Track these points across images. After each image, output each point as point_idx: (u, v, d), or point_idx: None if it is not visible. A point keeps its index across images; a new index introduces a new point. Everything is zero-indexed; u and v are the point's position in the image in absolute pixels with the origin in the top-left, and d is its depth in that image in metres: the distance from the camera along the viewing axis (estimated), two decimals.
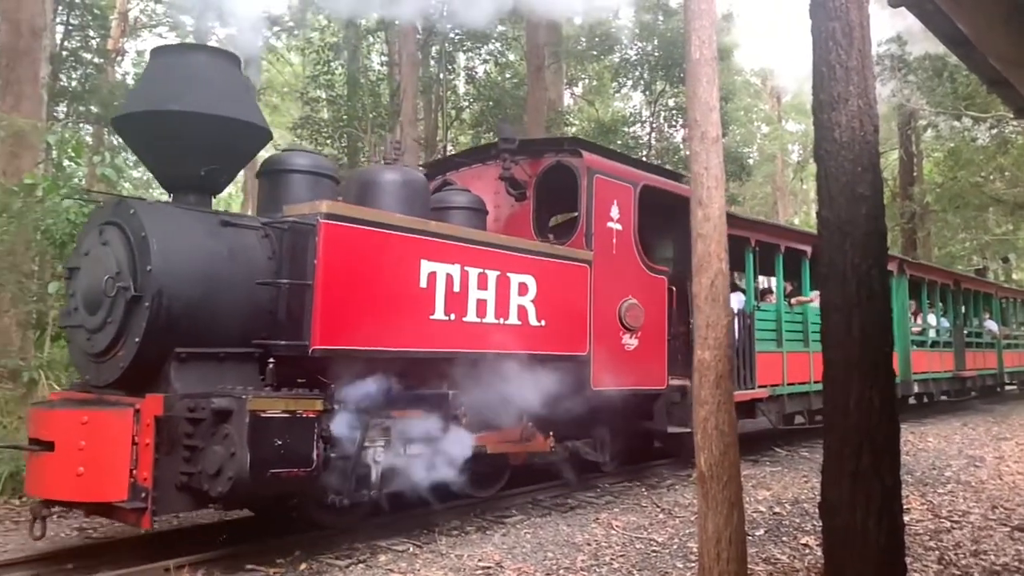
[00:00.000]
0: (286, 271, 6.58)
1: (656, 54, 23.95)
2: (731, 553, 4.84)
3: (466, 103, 28.37)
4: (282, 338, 6.47)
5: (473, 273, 7.43)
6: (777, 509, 8.68)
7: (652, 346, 9.36)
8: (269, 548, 6.69)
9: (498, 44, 27.04)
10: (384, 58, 27.28)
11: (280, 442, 5.95)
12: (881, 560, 3.99)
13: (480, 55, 27.33)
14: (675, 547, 7.12)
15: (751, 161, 35.56)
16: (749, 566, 5.37)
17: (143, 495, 5.80)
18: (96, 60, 24.89)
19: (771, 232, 12.20)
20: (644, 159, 26.08)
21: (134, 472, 5.83)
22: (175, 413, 6.01)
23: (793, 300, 13.01)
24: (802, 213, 53.62)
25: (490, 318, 7.56)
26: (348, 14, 21.63)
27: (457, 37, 25.42)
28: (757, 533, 7.50)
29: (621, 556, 6.82)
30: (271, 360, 6.33)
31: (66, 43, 23.21)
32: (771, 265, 12.56)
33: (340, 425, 6.53)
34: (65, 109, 23.66)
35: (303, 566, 6.44)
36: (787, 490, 9.74)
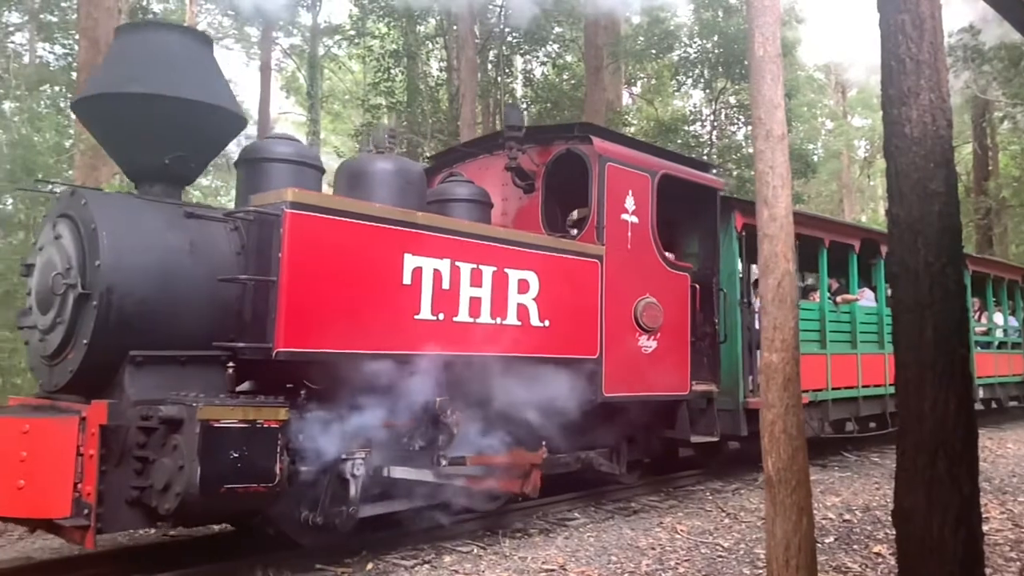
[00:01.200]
0: (252, 266, 6.05)
1: (717, 51, 23.36)
2: (800, 560, 4.74)
3: (524, 106, 27.52)
4: (247, 340, 5.94)
5: (465, 269, 6.83)
6: (847, 516, 8.37)
7: (673, 349, 8.66)
8: (337, 548, 6.65)
9: (555, 46, 26.98)
10: (443, 64, 27.34)
11: (236, 455, 5.41)
12: (959, 571, 3.85)
13: (538, 57, 27.25)
14: (741, 553, 6.95)
15: (815, 158, 34.93)
16: (819, 574, 5.24)
17: (86, 511, 5.29)
18: None
19: (813, 225, 11.34)
20: (705, 158, 26.01)
21: (79, 486, 5.32)
22: (125, 422, 5.52)
23: (839, 298, 12.15)
24: (869, 210, 52.23)
25: (485, 318, 6.95)
26: (408, 18, 23.35)
27: (515, 40, 25.55)
28: (827, 540, 7.27)
29: (686, 561, 6.71)
30: (231, 364, 5.81)
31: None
32: (814, 260, 11.73)
33: (311, 436, 5.98)
34: None
35: (370, 566, 6.45)
36: (857, 496, 9.40)
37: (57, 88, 26.77)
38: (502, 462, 7.31)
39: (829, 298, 11.65)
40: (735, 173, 25.29)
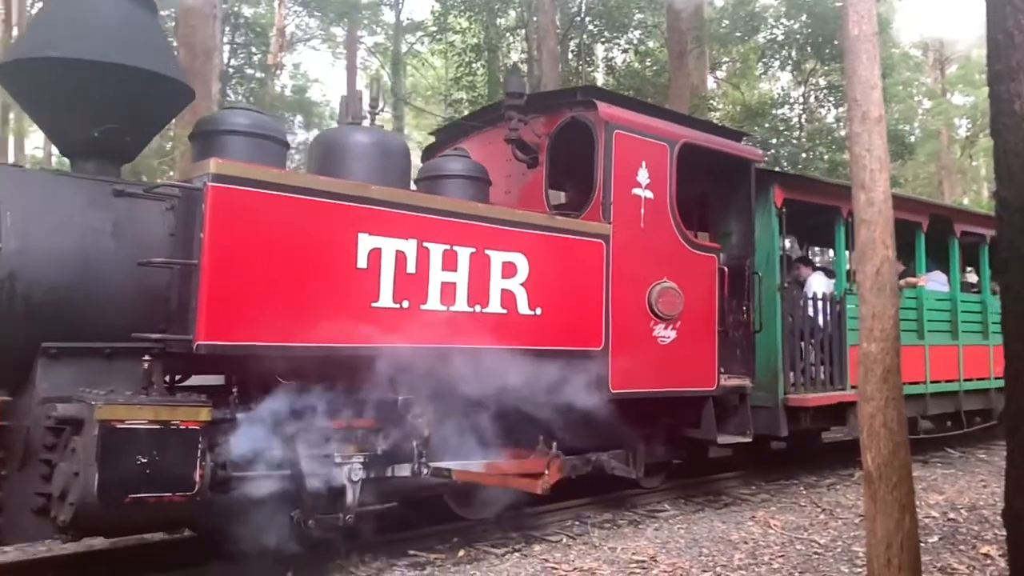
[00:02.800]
0: (180, 248, 5.39)
1: (805, 31, 23.48)
2: (903, 560, 4.58)
3: None
4: (174, 331, 5.28)
5: (436, 250, 6.06)
6: (952, 515, 7.96)
7: (696, 339, 7.74)
8: (429, 535, 6.85)
9: (637, 32, 26.83)
10: (524, 55, 27.47)
11: (145, 460, 4.76)
12: None
13: (619, 45, 27.18)
14: (839, 550, 6.72)
15: (912, 139, 33.84)
16: (923, 575, 5.07)
17: None
18: (259, 75, 27.14)
19: None
20: (795, 142, 25.26)
21: None
22: (29, 421, 4.93)
23: (902, 282, 10.94)
24: (972, 192, 49.78)
25: (461, 306, 6.18)
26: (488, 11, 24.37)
27: (596, 28, 25.79)
28: (930, 540, 6.96)
29: (780, 557, 6.52)
30: (147, 358, 5.15)
31: (232, 61, 25.46)
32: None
33: (245, 439, 5.30)
34: None
35: (461, 552, 6.59)
36: (962, 495, 8.91)
37: None
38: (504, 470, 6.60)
39: None
40: (826, 156, 24.75)
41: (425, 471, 6.16)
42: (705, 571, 6.13)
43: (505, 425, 6.65)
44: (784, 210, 8.85)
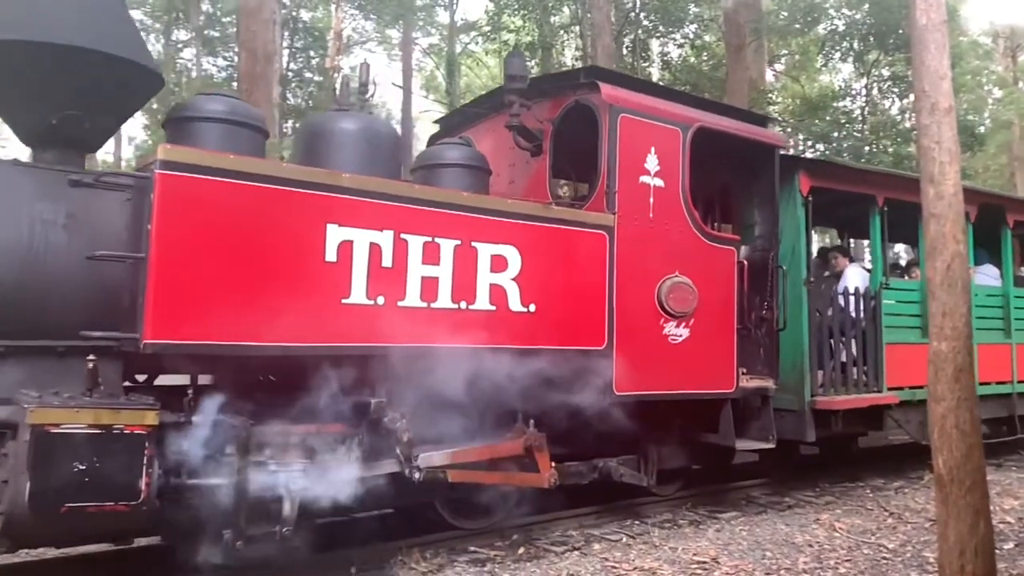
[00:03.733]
0: (132, 241, 5.05)
1: (868, 21, 22.66)
2: (977, 567, 4.46)
3: None
4: (125, 329, 4.94)
5: (415, 243, 5.64)
6: None
7: (712, 338, 7.23)
8: (489, 531, 6.85)
9: (693, 26, 26.87)
10: (578, 52, 27.55)
11: (84, 467, 4.44)
12: None
13: (675, 40, 27.22)
14: (908, 555, 6.57)
15: (982, 130, 32.91)
16: None
17: None
18: (317, 78, 27.83)
19: (909, 188, 9.46)
20: (857, 135, 24.61)
21: None
22: None
23: None
24: None
25: (444, 302, 5.75)
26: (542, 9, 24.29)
27: (651, 23, 25.80)
28: (1006, 546, 6.73)
29: (847, 561, 6.39)
30: (91, 358, 4.80)
31: (291, 65, 26.50)
32: (911, 231, 9.89)
33: (197, 444, 4.95)
34: (293, 125, 26.21)
35: (521, 550, 6.59)
36: None
37: None
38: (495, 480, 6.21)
39: None
40: (891, 149, 24.03)
41: (417, 475, 5.75)
42: (769, 574, 6.07)
43: (496, 429, 6.22)
44: (810, 199, 8.25)
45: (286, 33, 24.79)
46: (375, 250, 5.45)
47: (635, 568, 6.11)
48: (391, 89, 38.44)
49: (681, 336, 7.00)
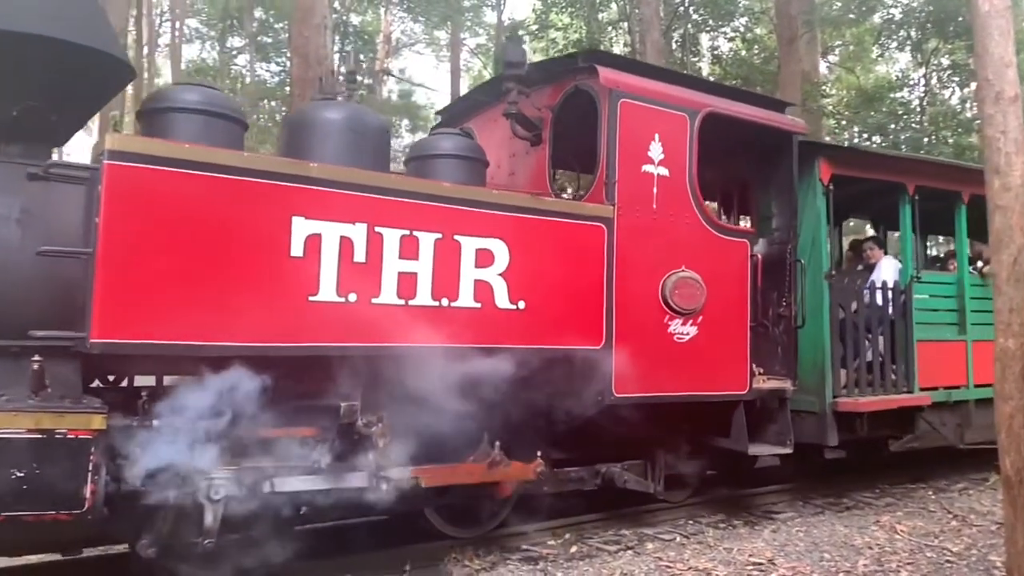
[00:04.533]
0: (85, 235, 4.80)
1: (926, 9, 22.56)
2: None
3: None
4: (78, 328, 4.69)
5: (391, 236, 5.32)
6: None
7: (723, 336, 6.82)
8: (542, 530, 6.81)
9: (744, 19, 26.87)
10: (627, 48, 27.30)
11: (22, 474, 4.20)
12: None
13: (725, 34, 27.18)
14: (973, 559, 6.40)
15: None
16: None
17: None
18: (367, 81, 28.36)
19: (943, 174, 8.95)
20: (915, 126, 23.95)
21: None
22: None
23: (985, 268, 9.62)
24: None
25: (423, 299, 5.42)
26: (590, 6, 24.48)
27: (700, 18, 25.84)
28: None
29: (909, 564, 6.28)
30: (37, 358, 4.56)
31: (342, 68, 25.66)
32: (946, 220, 9.31)
33: (146, 449, 4.68)
34: None
35: (574, 548, 6.57)
36: None
37: (274, 103, 30.64)
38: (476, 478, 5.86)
39: (971, 270, 9.20)
40: (951, 140, 23.49)
41: (384, 485, 5.44)
42: None
43: (481, 436, 5.90)
44: (831, 188, 7.77)
45: (337, 37, 25.14)
46: (346, 244, 5.14)
47: (689, 568, 6.03)
48: (439, 90, 38.80)
49: (688, 335, 6.61)
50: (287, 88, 24.88)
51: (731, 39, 27.40)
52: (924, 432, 8.28)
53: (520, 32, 29.52)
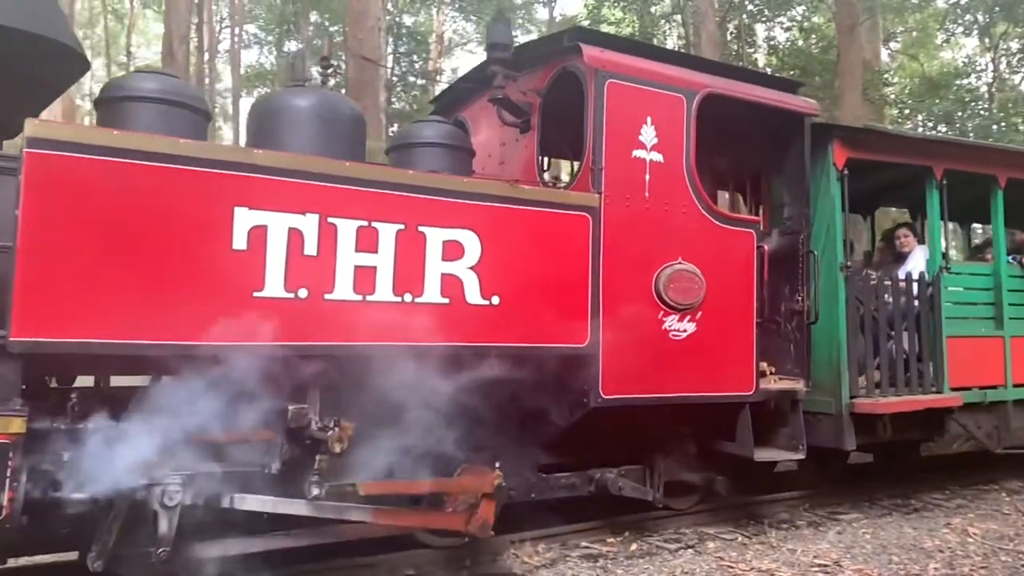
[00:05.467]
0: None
1: None
2: None
3: None
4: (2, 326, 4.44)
5: (347, 228, 4.97)
6: None
7: (725, 333, 6.35)
8: (601, 527, 6.77)
9: (801, 8, 26.66)
10: (681, 41, 27.66)
11: None
12: None
13: (782, 23, 27.15)
14: None
15: None
16: None
17: None
18: (420, 81, 29.12)
19: (975, 156, 8.28)
20: (983, 113, 23.15)
21: None
22: None
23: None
24: None
25: (383, 295, 5.06)
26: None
27: (756, 8, 25.81)
28: None
29: (983, 568, 6.10)
30: None
31: (396, 69, 27.71)
32: (980, 207, 8.67)
33: (82, 454, 4.41)
34: (397, 129, 26.45)
35: (634, 546, 6.49)
36: None
37: None
38: (423, 489, 5.46)
39: (1010, 260, 8.54)
40: (1022, 127, 22.88)
41: (316, 491, 5.05)
42: None
43: (450, 442, 5.53)
44: (846, 172, 7.24)
45: (390, 38, 25.27)
46: (295, 236, 4.81)
47: (752, 569, 5.95)
48: None
49: (685, 332, 6.16)
50: (343, 90, 25.11)
51: (787, 29, 27.12)
52: (956, 435, 7.69)
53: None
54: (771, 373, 6.88)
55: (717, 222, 6.38)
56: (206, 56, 31.87)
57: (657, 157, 6.14)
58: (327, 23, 31.97)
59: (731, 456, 6.79)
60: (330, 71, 6.06)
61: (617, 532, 6.73)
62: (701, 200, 6.30)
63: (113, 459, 4.44)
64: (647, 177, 6.09)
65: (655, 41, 25.80)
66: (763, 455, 6.65)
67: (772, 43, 27.36)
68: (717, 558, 6.16)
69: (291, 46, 32.96)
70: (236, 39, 33.19)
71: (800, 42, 27.09)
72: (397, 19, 28.64)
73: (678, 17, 26.78)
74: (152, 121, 5.12)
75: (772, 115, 6.96)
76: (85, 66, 5.29)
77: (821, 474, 8.63)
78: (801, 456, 6.76)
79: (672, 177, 6.20)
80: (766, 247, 6.57)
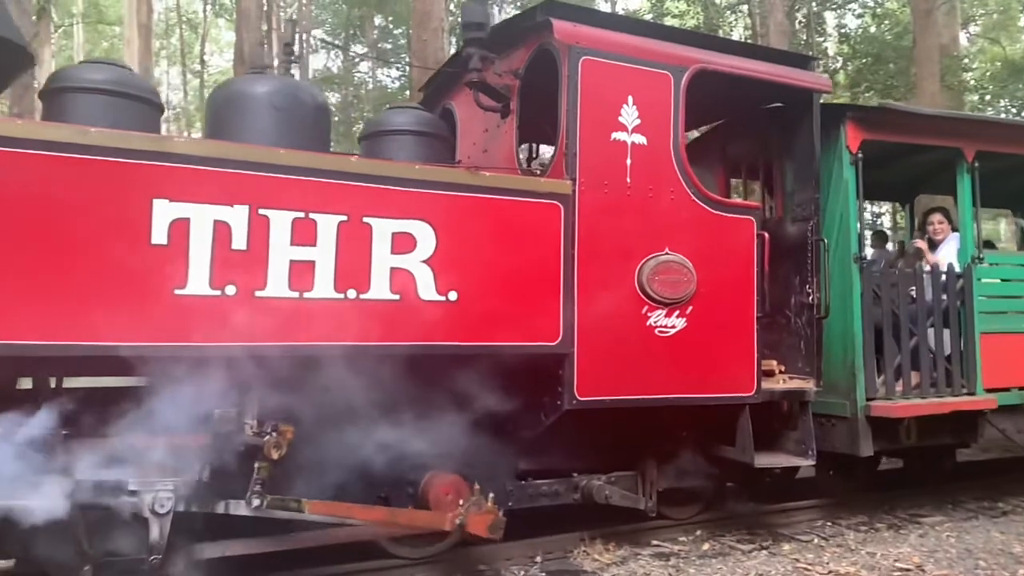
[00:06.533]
0: None
1: None
2: None
3: (838, 64, 27.44)
4: None
5: (281, 220, 4.64)
6: None
7: (720, 329, 5.84)
8: (673, 526, 6.66)
9: None
10: (748, 32, 27.12)
11: None
12: None
13: (852, 10, 26.79)
14: None
15: None
16: None
17: None
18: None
19: (1013, 137, 7.56)
20: None
21: None
22: None
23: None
24: None
25: (323, 291, 4.71)
26: None
27: None
28: None
29: None
30: None
31: None
32: (1018, 193, 7.93)
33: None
34: None
35: (706, 546, 6.38)
36: None
37: None
38: (375, 516, 5.12)
39: None
40: None
41: (256, 501, 4.73)
42: None
43: (410, 450, 5.17)
44: (860, 155, 6.64)
45: (453, 39, 25.53)
46: (222, 230, 4.49)
47: (830, 572, 5.78)
48: None
49: (673, 328, 5.68)
50: (407, 92, 25.18)
51: (859, 15, 26.55)
52: (993, 440, 7.03)
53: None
54: (781, 372, 6.36)
55: (711, 209, 5.88)
56: (275, 62, 32.36)
57: (640, 139, 5.67)
58: (391, 26, 32.09)
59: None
60: (293, 58, 5.71)
61: (688, 531, 6.66)
62: (691, 185, 5.81)
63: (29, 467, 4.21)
64: (628, 161, 5.63)
65: (720, 33, 25.14)
66: (765, 461, 6.12)
67: (843, 31, 26.62)
68: (793, 560, 6.00)
69: (357, 49, 33.30)
70: (304, 44, 33.59)
71: (872, 28, 26.33)
72: (460, 20, 28.87)
73: (744, 7, 26.23)
74: (97, 112, 4.86)
75: (781, 94, 6.43)
76: (30, 61, 5.11)
77: (906, 477, 8.27)
78: (811, 462, 6.22)
79: (657, 161, 5.72)
80: (767, 235, 6.01)
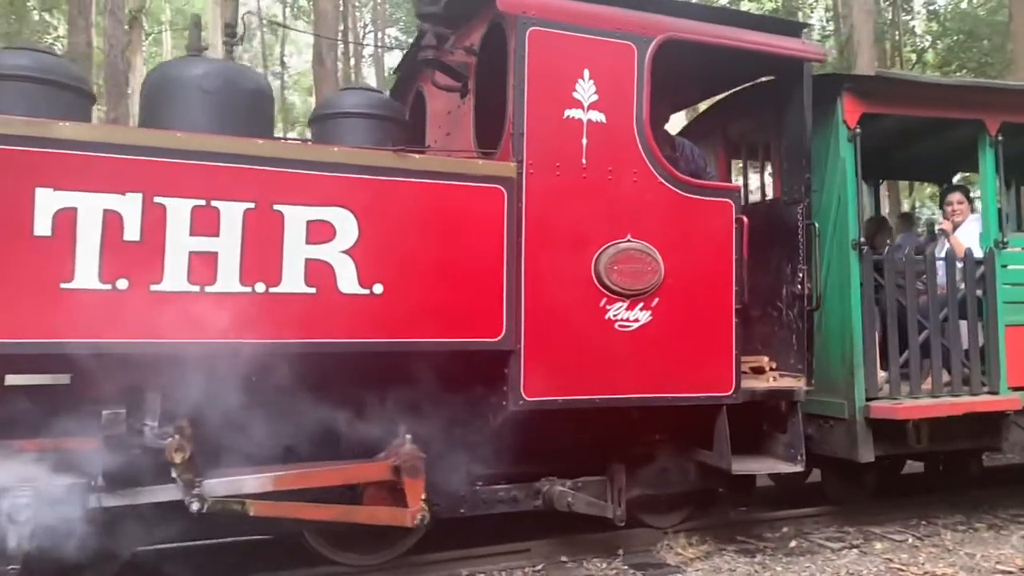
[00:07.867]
0: None
1: None
2: None
3: (927, 43, 26.90)
4: None
5: (178, 208, 4.32)
6: None
7: (692, 323, 5.33)
8: (758, 522, 6.59)
9: None
10: (829, 13, 26.90)
11: None
12: None
13: None
14: None
15: None
16: None
17: None
18: None
19: None
20: None
21: None
22: None
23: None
24: None
25: (227, 285, 4.39)
26: None
27: None
28: None
29: None
30: None
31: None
32: None
33: None
34: None
35: (792, 543, 6.23)
36: None
37: None
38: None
39: None
40: None
41: (196, 505, 4.46)
42: None
43: (338, 452, 4.84)
44: (858, 131, 6.00)
45: None
46: (112, 220, 4.20)
47: (925, 573, 5.59)
48: None
49: (636, 322, 5.19)
50: None
51: None
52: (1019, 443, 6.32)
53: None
54: (772, 369, 5.81)
55: (681, 192, 5.36)
56: (352, 61, 32.53)
57: (598, 117, 5.19)
58: None
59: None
60: (235, 40, 5.41)
61: (774, 528, 6.50)
62: (658, 166, 5.30)
63: None
64: (584, 141, 5.16)
65: (799, 16, 24.24)
66: (744, 467, 5.59)
67: (931, 7, 25.37)
68: (886, 559, 5.80)
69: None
70: (379, 43, 33.74)
71: (963, 4, 25.28)
72: None
73: None
74: (16, 101, 4.62)
75: (771, 65, 5.88)
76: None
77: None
78: (799, 468, 5.65)
79: (618, 140, 5.24)
80: (745, 220, 5.46)
